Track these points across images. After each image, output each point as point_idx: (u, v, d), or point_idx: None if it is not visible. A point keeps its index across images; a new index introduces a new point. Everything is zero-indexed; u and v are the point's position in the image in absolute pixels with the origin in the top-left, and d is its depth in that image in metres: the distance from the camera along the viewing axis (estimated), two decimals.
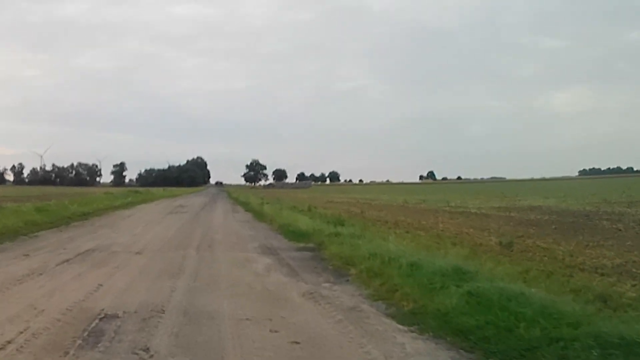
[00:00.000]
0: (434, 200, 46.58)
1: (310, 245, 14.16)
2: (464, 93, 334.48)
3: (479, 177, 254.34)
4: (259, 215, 26.13)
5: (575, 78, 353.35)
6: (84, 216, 24.46)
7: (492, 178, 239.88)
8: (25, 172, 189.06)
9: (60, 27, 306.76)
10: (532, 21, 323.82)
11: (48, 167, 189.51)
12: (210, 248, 13.55)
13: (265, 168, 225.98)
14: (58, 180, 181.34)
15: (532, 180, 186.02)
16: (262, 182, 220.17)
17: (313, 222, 20.35)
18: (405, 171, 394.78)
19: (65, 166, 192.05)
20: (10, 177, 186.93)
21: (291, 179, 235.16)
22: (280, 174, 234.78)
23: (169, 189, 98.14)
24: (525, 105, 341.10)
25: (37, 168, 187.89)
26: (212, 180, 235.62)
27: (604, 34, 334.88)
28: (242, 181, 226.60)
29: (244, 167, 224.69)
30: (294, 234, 16.94)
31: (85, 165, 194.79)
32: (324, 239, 14.45)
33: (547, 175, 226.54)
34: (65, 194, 56.42)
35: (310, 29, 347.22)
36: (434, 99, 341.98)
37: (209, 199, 52.52)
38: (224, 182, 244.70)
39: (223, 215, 26.90)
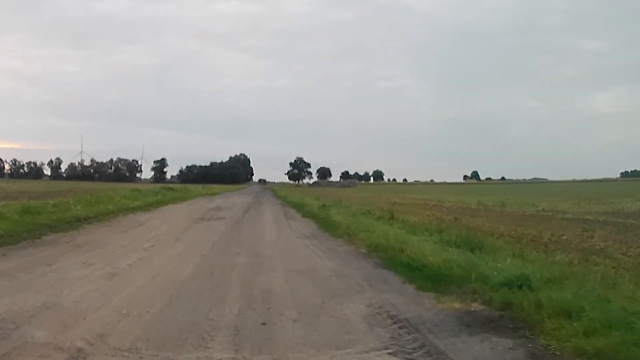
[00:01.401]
0: (513, 202, 38.45)
1: (492, 312, 6.59)
2: (505, 94, 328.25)
3: (520, 177, 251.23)
4: (328, 226, 18.13)
5: (616, 79, 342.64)
6: (76, 223, 17.09)
7: (533, 179, 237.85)
8: (64, 167, 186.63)
9: (101, 23, 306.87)
10: (573, 23, 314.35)
11: (87, 163, 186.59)
12: (264, 331, 5.53)
13: (309, 166, 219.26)
14: (97, 175, 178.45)
15: (574, 181, 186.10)
16: (307, 181, 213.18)
17: (431, 242, 12.60)
18: (448, 171, 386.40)
19: (104, 161, 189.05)
20: (48, 171, 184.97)
21: (335, 177, 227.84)
22: (324, 172, 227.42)
23: (209, 186, 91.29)
24: (565, 107, 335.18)
25: (75, 163, 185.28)
26: (255, 178, 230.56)
27: None
28: (286, 179, 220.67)
29: (287, 165, 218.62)
30: (420, 274, 9.10)
31: (125, 160, 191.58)
32: (506, 292, 6.65)
33: (589, 177, 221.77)
34: (92, 189, 49.83)
35: (352, 28, 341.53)
36: (475, 99, 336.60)
37: (253, 199, 44.72)
38: (267, 180, 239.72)
39: (275, 225, 18.86)
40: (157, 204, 30.63)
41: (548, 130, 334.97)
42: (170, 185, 68.36)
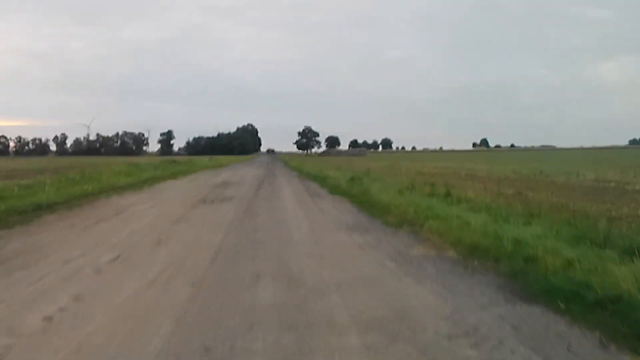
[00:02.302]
0: (553, 171, 33.85)
1: None
2: (514, 63, 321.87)
3: (529, 145, 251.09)
4: (371, 208, 13.42)
5: (624, 48, 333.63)
6: (33, 213, 12.75)
7: (542, 146, 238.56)
8: (70, 143, 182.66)
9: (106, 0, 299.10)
10: None
11: (92, 137, 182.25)
12: None
13: (318, 135, 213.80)
14: (103, 150, 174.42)
15: (582, 148, 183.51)
16: (315, 150, 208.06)
17: (551, 237, 7.85)
18: (456, 139, 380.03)
19: (110, 135, 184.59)
20: (54, 148, 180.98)
21: (343, 146, 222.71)
22: (332, 141, 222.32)
23: (216, 157, 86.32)
24: (573, 75, 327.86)
25: (80, 138, 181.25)
26: (263, 148, 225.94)
27: None
28: (294, 149, 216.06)
29: (295, 135, 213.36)
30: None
31: (131, 134, 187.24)
32: None
33: (596, 144, 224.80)
34: (91, 164, 45.11)
35: None
36: (484, 68, 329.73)
37: (264, 171, 39.74)
38: (275, 150, 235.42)
39: (301, 209, 13.90)
40: (154, 180, 25.81)
41: (556, 98, 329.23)
42: (175, 157, 63.49)
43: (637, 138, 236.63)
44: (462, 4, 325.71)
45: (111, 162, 49.99)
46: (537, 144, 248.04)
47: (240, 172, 36.28)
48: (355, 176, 22.53)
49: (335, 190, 19.31)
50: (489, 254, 7.46)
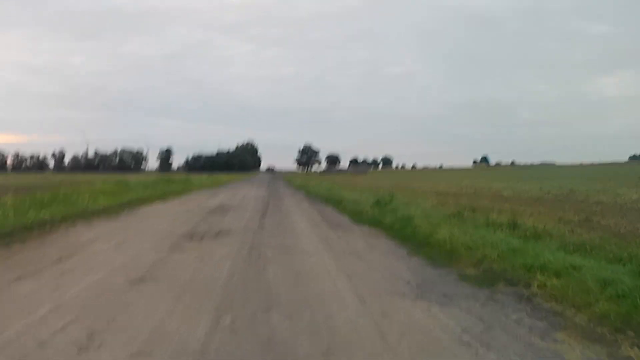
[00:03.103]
0: (583, 189, 29.68)
1: None
2: (513, 78, 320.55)
3: (528, 161, 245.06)
4: (425, 248, 9.33)
5: (623, 63, 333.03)
6: None
7: (542, 163, 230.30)
8: (67, 159, 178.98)
9: (108, 15, 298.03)
10: (579, 6, 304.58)
11: (91, 154, 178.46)
12: None
13: (318, 153, 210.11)
14: (101, 167, 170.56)
15: (581, 165, 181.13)
16: (316, 168, 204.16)
17: None
18: (457, 156, 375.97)
19: (109, 152, 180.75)
20: (53, 163, 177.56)
21: (344, 163, 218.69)
22: (333, 159, 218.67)
23: (215, 175, 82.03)
24: (573, 90, 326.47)
25: (78, 155, 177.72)
26: (263, 166, 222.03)
27: None
28: (294, 167, 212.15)
29: (295, 153, 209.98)
30: None
31: (130, 151, 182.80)
32: None
33: (597, 160, 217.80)
34: (82, 181, 40.95)
35: (360, 15, 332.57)
36: (483, 84, 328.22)
37: (267, 191, 35.48)
38: (275, 168, 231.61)
39: (326, 250, 9.68)
40: (139, 203, 21.64)
41: (555, 114, 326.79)
42: (171, 175, 59.27)
43: (638, 154, 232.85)
44: (461, 20, 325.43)
45: (101, 180, 45.70)
46: (536, 160, 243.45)
47: (241, 193, 32.06)
48: (360, 195, 18.36)
49: (359, 217, 15.19)
50: None
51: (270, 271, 7.52)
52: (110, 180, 42.11)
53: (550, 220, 13.84)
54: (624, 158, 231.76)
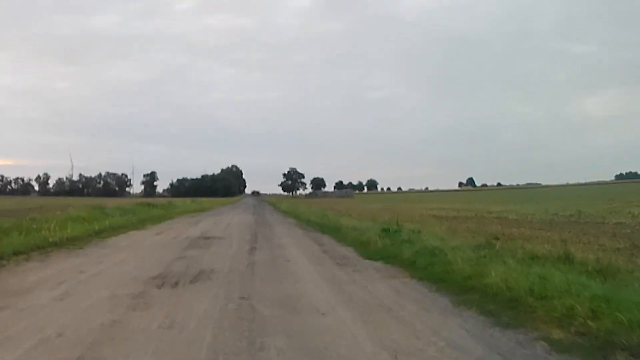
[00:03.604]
0: (591, 211, 28.04)
1: None
2: (497, 100, 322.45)
3: (514, 183, 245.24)
4: (474, 296, 6.71)
5: (606, 83, 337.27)
6: None
7: (527, 184, 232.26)
8: (52, 183, 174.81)
9: (91, 40, 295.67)
10: (562, 27, 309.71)
11: (75, 178, 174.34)
12: None
13: (303, 177, 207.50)
14: (85, 190, 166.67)
15: (567, 185, 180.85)
16: (301, 191, 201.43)
17: None
18: (442, 178, 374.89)
19: (93, 176, 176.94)
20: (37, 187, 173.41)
21: (329, 187, 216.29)
22: (318, 183, 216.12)
23: (199, 199, 79.00)
24: (557, 111, 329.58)
25: (63, 178, 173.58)
26: (248, 190, 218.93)
27: (633, 37, 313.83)
28: (279, 191, 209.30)
29: (280, 177, 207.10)
30: None
31: (114, 175, 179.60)
32: None
33: (582, 180, 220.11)
34: (60, 205, 37.99)
35: (342, 39, 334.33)
36: (467, 106, 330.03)
37: (254, 217, 32.81)
38: (260, 192, 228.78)
39: (342, 304, 7.18)
40: (111, 232, 18.98)
41: (540, 135, 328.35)
42: (153, 200, 56.32)
43: (624, 173, 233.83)
44: (444, 44, 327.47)
45: (79, 205, 42.57)
46: (522, 182, 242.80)
47: (226, 219, 29.41)
48: (388, 227, 15.82)
49: (366, 250, 12.76)
50: None
51: (273, 352, 4.96)
52: (89, 205, 39.33)
53: (592, 248, 11.62)
54: (610, 177, 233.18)
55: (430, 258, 10.13)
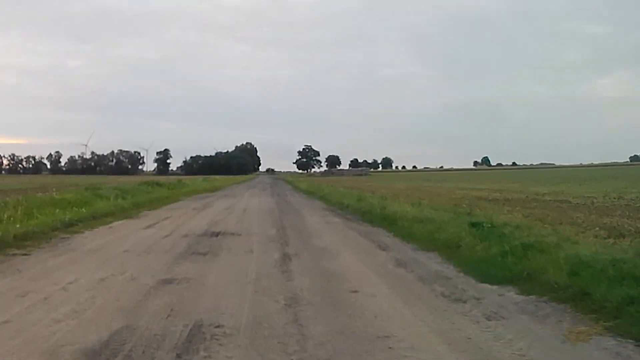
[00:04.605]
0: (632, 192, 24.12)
1: None
2: (510, 79, 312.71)
3: (527, 163, 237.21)
4: None
5: (619, 63, 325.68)
6: None
7: (541, 164, 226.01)
8: (64, 161, 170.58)
9: (104, 17, 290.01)
10: (574, 7, 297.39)
11: (87, 156, 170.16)
12: None
13: (318, 154, 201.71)
14: (98, 168, 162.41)
15: (581, 166, 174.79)
16: (316, 169, 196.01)
17: None
18: (456, 157, 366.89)
19: (106, 154, 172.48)
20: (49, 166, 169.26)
21: (344, 165, 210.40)
22: (333, 161, 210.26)
23: (212, 177, 73.98)
24: (569, 91, 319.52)
25: (75, 156, 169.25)
26: (262, 168, 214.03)
27: None
28: (293, 168, 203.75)
29: (295, 154, 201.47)
30: None
31: (127, 152, 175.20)
32: None
33: (595, 162, 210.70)
34: (67, 184, 33.41)
35: (354, 16, 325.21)
36: (479, 85, 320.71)
37: (273, 199, 27.67)
38: (275, 170, 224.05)
39: None
40: (91, 222, 14.04)
41: (552, 115, 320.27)
42: (160, 178, 51.46)
43: (639, 154, 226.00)
44: (456, 22, 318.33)
45: (77, 184, 37.74)
46: (535, 161, 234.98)
47: (241, 202, 24.31)
48: (477, 221, 10.62)
49: (462, 260, 7.72)
50: None
51: None
52: (83, 184, 34.49)
53: None
54: (624, 159, 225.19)
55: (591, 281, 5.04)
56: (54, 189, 25.85)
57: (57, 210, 15.88)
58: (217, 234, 11.60)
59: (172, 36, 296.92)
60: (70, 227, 13.03)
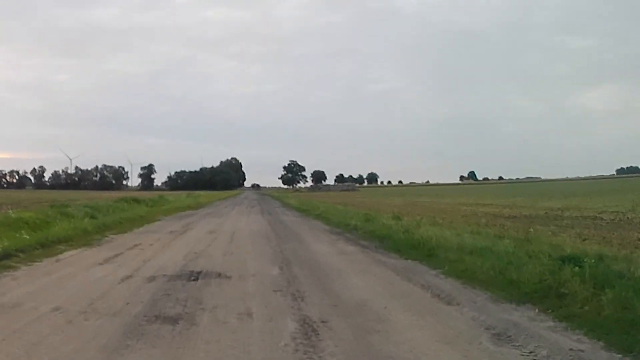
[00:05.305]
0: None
1: None
2: (497, 93, 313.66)
3: (513, 177, 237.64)
4: None
5: (606, 77, 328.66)
6: None
7: (527, 178, 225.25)
8: (47, 176, 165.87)
9: (92, 32, 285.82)
10: (562, 21, 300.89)
11: (71, 171, 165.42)
12: None
13: (304, 169, 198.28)
14: (82, 184, 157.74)
15: (567, 180, 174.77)
16: (302, 185, 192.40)
17: None
18: (443, 172, 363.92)
19: (90, 169, 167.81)
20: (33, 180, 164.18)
21: (329, 180, 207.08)
22: (319, 176, 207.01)
23: (196, 193, 70.18)
24: (557, 105, 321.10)
25: (59, 171, 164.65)
26: (248, 183, 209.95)
27: (633, 32, 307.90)
28: (279, 184, 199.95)
29: (280, 169, 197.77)
30: None
31: (111, 168, 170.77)
32: None
33: (582, 175, 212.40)
34: (38, 199, 29.60)
35: (341, 31, 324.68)
36: (466, 99, 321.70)
37: (265, 218, 24.23)
38: (260, 185, 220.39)
39: None
40: (25, 256, 10.50)
41: (540, 129, 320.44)
42: (139, 194, 47.74)
43: (625, 167, 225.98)
44: (444, 36, 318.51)
45: (51, 200, 34.02)
46: (521, 175, 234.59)
47: (228, 223, 20.79)
48: (570, 254, 7.40)
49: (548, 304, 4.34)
50: None
51: None
52: (48, 201, 30.84)
53: None
54: (610, 172, 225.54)
55: None
56: (9, 207, 22.29)
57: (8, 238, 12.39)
58: (196, 276, 8.15)
59: (159, 51, 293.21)
60: (1, 260, 9.56)
